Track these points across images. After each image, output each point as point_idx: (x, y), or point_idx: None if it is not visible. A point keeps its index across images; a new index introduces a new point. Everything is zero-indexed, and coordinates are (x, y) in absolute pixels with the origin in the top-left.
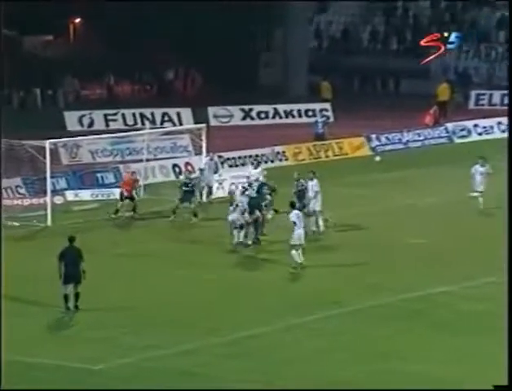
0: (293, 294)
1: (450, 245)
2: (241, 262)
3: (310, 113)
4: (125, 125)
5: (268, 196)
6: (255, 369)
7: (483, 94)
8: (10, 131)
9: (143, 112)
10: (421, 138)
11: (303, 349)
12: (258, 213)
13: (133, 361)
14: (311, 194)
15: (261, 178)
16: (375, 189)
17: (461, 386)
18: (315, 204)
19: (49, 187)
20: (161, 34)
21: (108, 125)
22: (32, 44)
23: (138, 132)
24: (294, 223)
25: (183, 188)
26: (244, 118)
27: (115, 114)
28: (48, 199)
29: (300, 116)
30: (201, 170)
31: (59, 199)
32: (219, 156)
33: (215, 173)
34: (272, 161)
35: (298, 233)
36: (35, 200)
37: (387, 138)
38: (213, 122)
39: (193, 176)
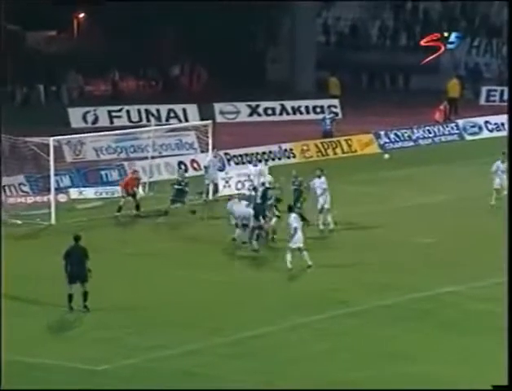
0: (298, 293)
1: (459, 244)
2: (246, 262)
3: (318, 110)
4: (130, 121)
5: (272, 201)
6: (259, 369)
7: (494, 90)
8: (13, 128)
9: (148, 108)
10: (431, 134)
11: (308, 350)
12: (262, 220)
13: (137, 361)
14: (318, 192)
15: (262, 179)
16: (384, 187)
17: (469, 386)
18: (324, 202)
19: (52, 185)
20: (166, 29)
21: (112, 122)
22: (35, 39)
23: (143, 129)
24: (295, 228)
25: (175, 186)
26: (250, 114)
27: (120, 110)
28: (52, 197)
29: (308, 112)
30: (206, 168)
31: (62, 197)
32: (226, 154)
33: (221, 170)
34: (280, 159)
35: (298, 236)
36: (38, 198)
37: (396, 135)
38: (219, 119)
39: (198, 173)
